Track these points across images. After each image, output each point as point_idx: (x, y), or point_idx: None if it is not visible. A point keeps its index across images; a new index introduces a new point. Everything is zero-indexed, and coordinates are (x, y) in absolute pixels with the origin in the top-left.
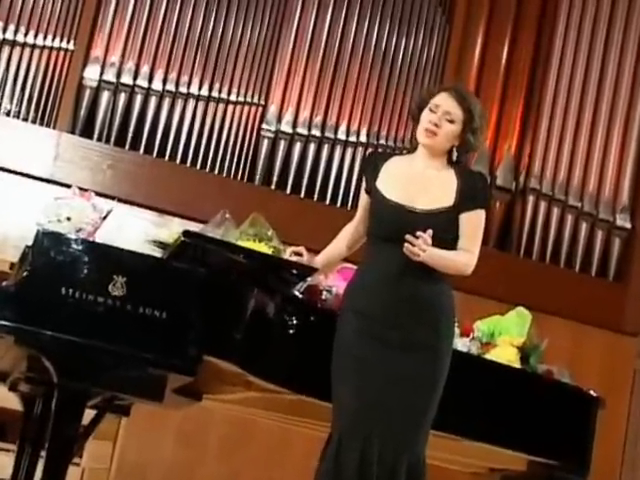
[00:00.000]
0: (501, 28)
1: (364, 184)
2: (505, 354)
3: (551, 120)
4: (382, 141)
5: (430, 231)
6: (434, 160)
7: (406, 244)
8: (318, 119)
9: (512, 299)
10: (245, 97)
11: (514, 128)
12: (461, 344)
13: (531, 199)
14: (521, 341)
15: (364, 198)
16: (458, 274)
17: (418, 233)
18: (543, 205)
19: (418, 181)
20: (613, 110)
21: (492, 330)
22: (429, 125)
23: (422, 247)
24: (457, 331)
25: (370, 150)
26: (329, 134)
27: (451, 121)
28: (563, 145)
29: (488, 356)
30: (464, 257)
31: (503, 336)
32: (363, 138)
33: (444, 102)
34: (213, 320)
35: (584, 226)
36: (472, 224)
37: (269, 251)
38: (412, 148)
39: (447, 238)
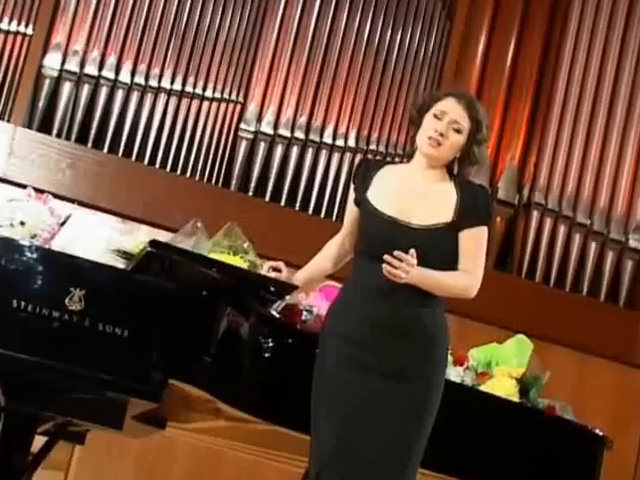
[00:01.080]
0: (507, 24)
1: (353, 194)
2: (502, 386)
3: (560, 128)
4: (373, 146)
5: (413, 251)
6: (433, 171)
7: (384, 265)
8: (302, 120)
9: (512, 325)
10: (222, 93)
11: (518, 136)
12: (454, 374)
13: (535, 215)
14: (520, 372)
15: (353, 210)
16: (458, 298)
17: (396, 253)
18: (548, 222)
19: (414, 193)
20: (629, 118)
21: (489, 359)
22: (434, 134)
23: (405, 268)
24: (450, 359)
25: (359, 156)
26: (314, 137)
27: (458, 131)
28: (572, 156)
29: (483, 388)
30: (464, 279)
31: (501, 366)
32: (352, 142)
33: (452, 109)
34: (181, 340)
35: (593, 246)
36: (473, 242)
37: (244, 265)
38: (408, 156)
39: (445, 257)
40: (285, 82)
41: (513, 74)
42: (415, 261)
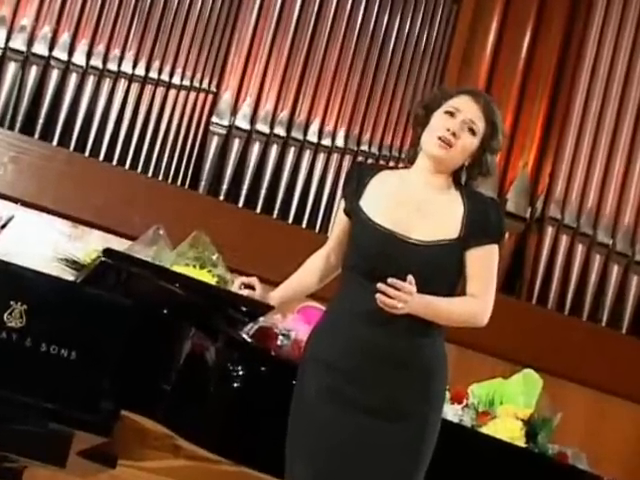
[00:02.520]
0: (522, 12)
1: (344, 202)
2: (507, 428)
3: (580, 132)
4: (364, 147)
5: (410, 277)
6: (437, 179)
7: (378, 294)
8: (283, 114)
9: (519, 358)
10: (192, 81)
11: (532, 140)
12: (451, 412)
13: (550, 231)
14: (528, 412)
15: (342, 220)
16: (466, 326)
17: (391, 281)
18: (564, 240)
19: (415, 204)
20: None
21: (491, 397)
22: (445, 133)
23: (402, 297)
24: (447, 396)
25: (348, 158)
26: (297, 134)
27: (472, 132)
28: (594, 164)
29: (485, 429)
30: (473, 306)
31: (505, 405)
32: (340, 142)
33: (467, 108)
34: (136, 365)
35: (615, 269)
36: (482, 262)
37: (213, 281)
38: (409, 160)
39: (449, 279)
40: (265, 70)
41: (527, 69)
42: (414, 288)
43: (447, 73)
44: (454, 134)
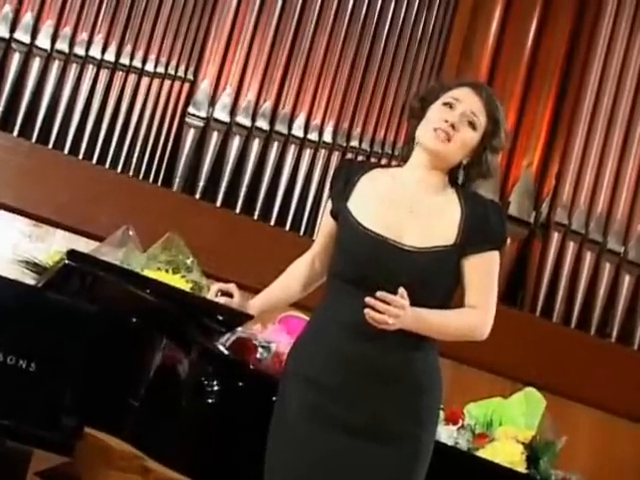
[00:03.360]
0: (527, 1)
1: (330, 203)
2: (506, 452)
3: (590, 129)
4: (354, 143)
5: (402, 290)
6: (433, 178)
7: (366, 309)
8: (266, 106)
9: (520, 375)
10: (167, 68)
11: (537, 138)
12: (446, 434)
13: (556, 237)
14: (529, 435)
15: (328, 222)
16: (465, 340)
17: (380, 294)
18: (572, 247)
19: (407, 205)
20: None
21: (489, 417)
22: (444, 125)
23: (393, 312)
24: (441, 415)
25: (337, 154)
26: (280, 128)
27: (472, 126)
28: (604, 165)
29: (482, 453)
30: (472, 318)
31: (505, 426)
32: (328, 137)
33: (467, 99)
34: (101, 378)
35: (627, 280)
36: (482, 271)
37: (187, 287)
38: (402, 158)
39: (445, 289)
40: (246, 56)
41: (533, 61)
42: (407, 302)
43: (446, 64)
44: (453, 126)
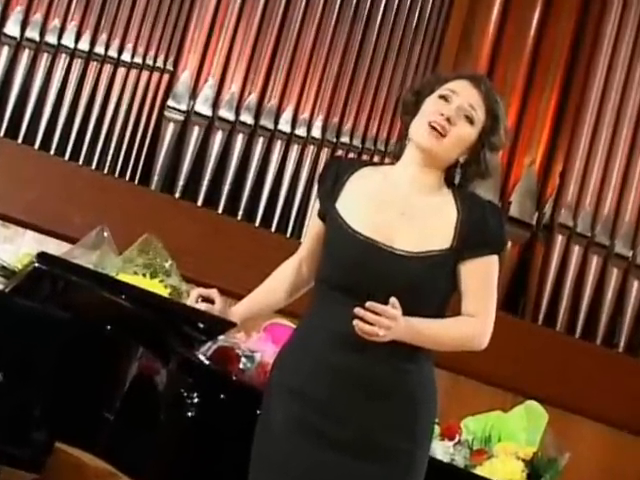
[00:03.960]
0: None
1: (318, 203)
2: (506, 469)
3: (597, 125)
4: (345, 139)
5: (394, 299)
6: (427, 175)
7: (355, 321)
8: (251, 99)
9: (521, 387)
10: (144, 58)
11: (541, 134)
12: (441, 450)
13: (560, 240)
14: (530, 451)
15: (316, 224)
16: (463, 351)
17: (369, 305)
18: (577, 250)
19: (400, 206)
20: None
21: (488, 432)
22: (438, 118)
23: (384, 323)
24: (436, 430)
25: (326, 151)
26: (266, 122)
27: (470, 121)
28: (612, 163)
29: (479, 470)
30: (470, 327)
31: (504, 442)
32: (316, 132)
33: (465, 91)
34: (74, 390)
35: (635, 286)
36: (480, 277)
37: (165, 293)
38: (394, 155)
39: (440, 296)
40: (230, 46)
41: (536, 51)
42: (399, 312)
43: (442, 54)
44: (448, 120)
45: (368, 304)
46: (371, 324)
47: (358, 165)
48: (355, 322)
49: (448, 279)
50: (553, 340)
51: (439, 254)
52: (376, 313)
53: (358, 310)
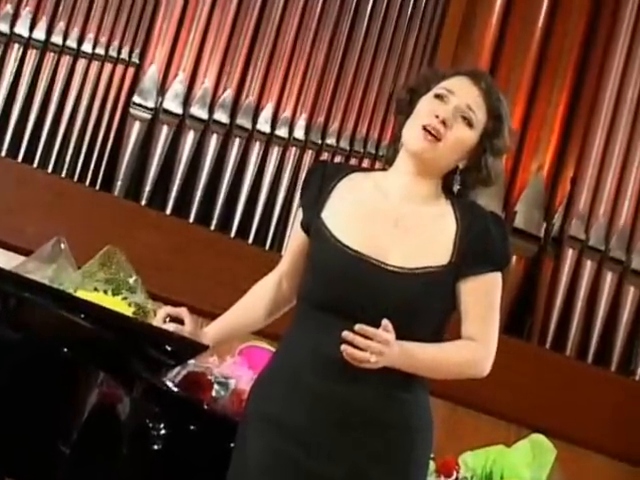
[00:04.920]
0: None
1: (301, 213)
2: None
3: (612, 126)
4: (331, 140)
5: (386, 322)
6: (422, 184)
7: (344, 346)
8: (226, 95)
9: (526, 419)
10: (107, 49)
11: (549, 137)
12: None
13: (570, 254)
14: None
15: (299, 236)
16: (463, 378)
17: (358, 327)
18: (589, 266)
19: (393, 218)
20: None
21: (489, 468)
22: (433, 120)
23: (376, 349)
24: (432, 466)
25: (310, 154)
26: (243, 121)
27: (469, 123)
28: (629, 169)
29: None
30: (472, 351)
31: (507, 479)
32: (299, 133)
33: (463, 90)
34: (25, 420)
35: None
36: (481, 296)
37: (129, 311)
38: (386, 160)
39: (437, 317)
40: (203, 36)
41: (545, 45)
42: (392, 335)
43: (440, 49)
44: (444, 122)
45: (357, 327)
46: (361, 349)
47: (346, 170)
48: (343, 347)
49: (446, 298)
50: (562, 366)
51: (436, 270)
52: (367, 337)
53: (347, 334)
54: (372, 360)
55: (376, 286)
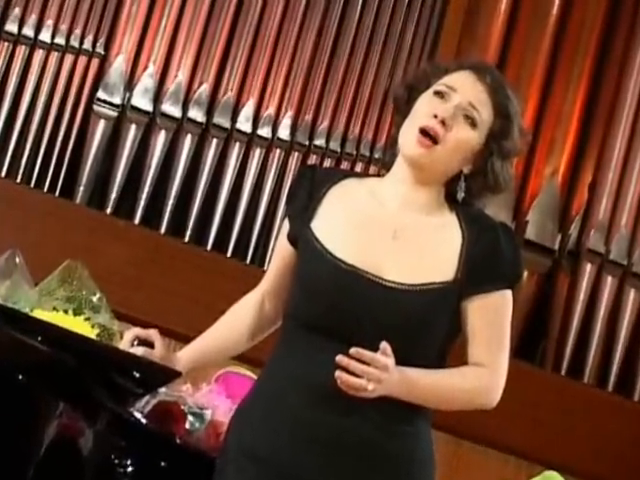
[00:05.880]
0: None
1: (287, 224)
2: None
3: (634, 125)
4: (319, 141)
5: (385, 344)
6: (422, 194)
7: (338, 372)
8: (202, 90)
9: (538, 454)
10: (68, 39)
11: (564, 138)
12: None
13: (588, 269)
14: None
15: (285, 250)
16: (469, 409)
17: (354, 351)
18: (610, 282)
19: (390, 229)
20: None
21: None
22: (431, 121)
23: (374, 375)
24: None
25: (297, 156)
26: (221, 120)
27: (472, 123)
28: None
29: None
30: (478, 379)
31: None
32: (284, 133)
33: (466, 87)
34: None
35: None
36: (490, 316)
37: (92, 334)
38: (383, 165)
39: (440, 338)
40: (175, 25)
41: (560, 33)
42: (391, 360)
43: (442, 38)
44: (443, 123)
45: (353, 350)
46: (357, 375)
47: (338, 175)
48: (337, 374)
49: (451, 319)
50: (580, 395)
51: (440, 287)
52: (363, 362)
53: (341, 358)
54: (369, 388)
55: (373, 304)
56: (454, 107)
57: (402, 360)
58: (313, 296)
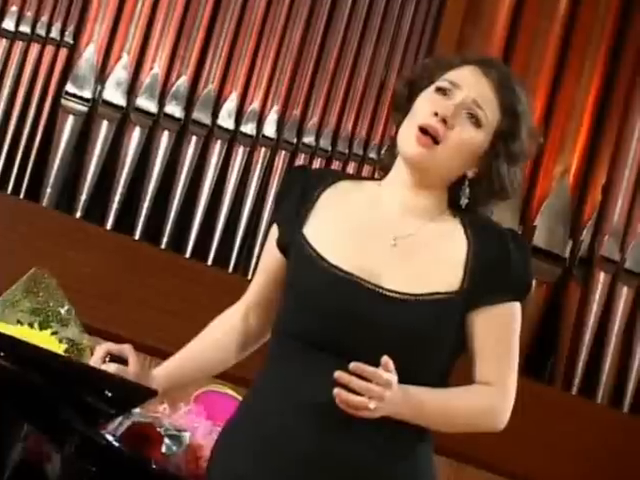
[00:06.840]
0: None
1: (276, 229)
2: None
3: None
4: (309, 139)
5: (386, 359)
6: (422, 199)
7: (337, 389)
8: (181, 82)
9: (544, 476)
10: (34, 27)
11: (576, 136)
12: None
13: (602, 279)
14: None
15: (273, 258)
16: (476, 431)
17: (353, 366)
18: (625, 293)
19: (390, 235)
20: None
21: None
22: (431, 120)
23: (375, 392)
24: None
25: (284, 155)
26: (201, 116)
27: (476, 122)
28: None
29: None
30: (486, 398)
31: None
32: (270, 130)
33: (471, 83)
34: None
35: None
36: (498, 330)
37: (60, 348)
38: (381, 166)
39: (444, 353)
40: (151, 12)
41: (572, 21)
42: (394, 377)
43: (442, 28)
44: (444, 121)
45: (353, 365)
46: (358, 393)
47: (332, 177)
48: (336, 392)
49: (455, 332)
50: (592, 415)
51: (444, 298)
52: (364, 378)
53: (340, 374)
54: (371, 406)
55: (372, 315)
56: (457, 105)
57: (403, 377)
58: (306, 306)
